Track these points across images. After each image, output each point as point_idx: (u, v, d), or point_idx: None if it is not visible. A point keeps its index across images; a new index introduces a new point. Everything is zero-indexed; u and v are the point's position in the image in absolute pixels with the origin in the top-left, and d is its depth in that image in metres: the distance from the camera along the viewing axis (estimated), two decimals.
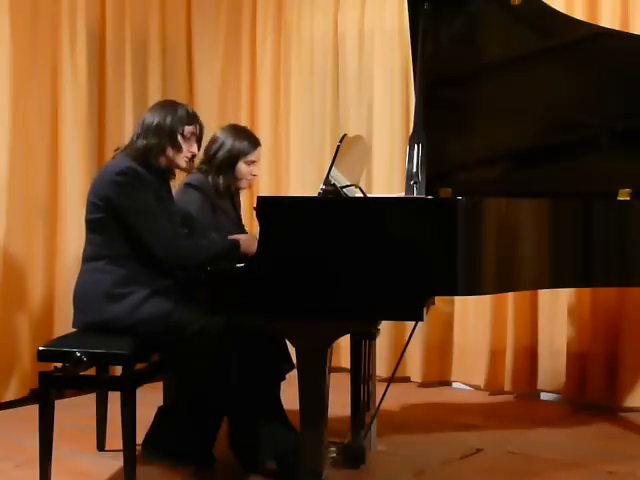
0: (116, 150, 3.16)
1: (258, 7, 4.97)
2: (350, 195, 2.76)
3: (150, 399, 3.25)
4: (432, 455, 3.36)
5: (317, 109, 4.83)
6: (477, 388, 4.43)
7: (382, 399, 3.18)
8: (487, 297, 4.23)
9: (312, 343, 2.55)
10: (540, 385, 4.25)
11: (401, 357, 3.37)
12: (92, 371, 3.07)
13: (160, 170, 3.12)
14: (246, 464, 3.09)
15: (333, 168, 2.68)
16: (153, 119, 3.08)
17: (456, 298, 4.38)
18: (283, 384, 3.18)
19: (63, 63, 4.29)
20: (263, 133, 4.90)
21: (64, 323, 3.64)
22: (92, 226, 3.04)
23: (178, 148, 3.08)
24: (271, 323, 2.60)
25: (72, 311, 3.07)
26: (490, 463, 3.30)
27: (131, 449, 2.82)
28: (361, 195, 2.76)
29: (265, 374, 3.09)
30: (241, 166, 3.51)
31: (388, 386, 3.16)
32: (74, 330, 3.05)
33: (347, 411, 3.35)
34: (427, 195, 2.72)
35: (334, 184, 2.67)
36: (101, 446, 3.37)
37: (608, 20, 3.94)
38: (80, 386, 3.48)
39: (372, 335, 3.27)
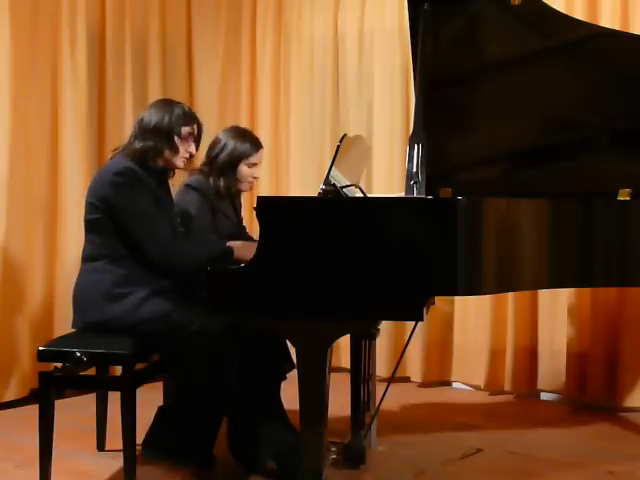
0: (114, 150, 3.16)
1: (258, 7, 4.97)
2: (350, 195, 2.76)
3: (150, 399, 3.25)
4: (432, 455, 3.36)
5: (317, 109, 4.83)
6: (477, 388, 4.43)
7: (382, 399, 3.18)
8: (487, 297, 4.23)
9: (312, 343, 2.55)
10: (540, 385, 4.25)
11: (401, 357, 3.37)
12: (92, 371, 3.07)
13: (158, 170, 3.12)
14: (246, 464, 3.09)
15: (333, 168, 2.68)
16: (150, 120, 3.07)
17: (456, 298, 4.38)
18: (283, 384, 3.18)
19: (63, 63, 4.29)
20: (263, 133, 4.90)
21: (64, 323, 3.64)
22: (91, 226, 3.04)
23: (175, 149, 3.08)
24: (271, 323, 2.60)
25: (72, 311, 3.07)
26: (490, 463, 3.30)
27: (131, 449, 2.82)
28: (361, 195, 2.76)
29: (265, 374, 3.09)
30: (242, 168, 3.51)
31: (388, 386, 3.16)
32: (74, 330, 3.05)
33: (347, 411, 3.35)
34: (427, 195, 2.72)
35: (334, 184, 2.67)
36: (101, 446, 3.37)
37: (608, 20, 3.94)
38: (80, 386, 3.48)
39: (372, 335, 3.27)
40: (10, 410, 4.00)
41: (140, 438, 3.07)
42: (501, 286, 2.72)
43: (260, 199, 2.57)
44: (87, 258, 3.06)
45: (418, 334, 4.30)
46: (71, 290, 3.09)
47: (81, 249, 3.11)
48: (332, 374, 2.68)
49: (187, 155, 3.13)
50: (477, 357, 4.39)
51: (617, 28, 3.85)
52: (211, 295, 2.56)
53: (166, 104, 3.15)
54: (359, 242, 2.50)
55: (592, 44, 3.16)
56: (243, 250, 2.97)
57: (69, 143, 4.30)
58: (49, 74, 4.27)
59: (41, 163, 4.24)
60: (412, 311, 2.52)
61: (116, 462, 3.09)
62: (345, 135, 2.88)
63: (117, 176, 2.97)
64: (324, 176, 2.66)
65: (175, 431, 3.18)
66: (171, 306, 2.94)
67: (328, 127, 4.77)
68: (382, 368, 4.35)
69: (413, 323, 2.95)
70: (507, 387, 4.29)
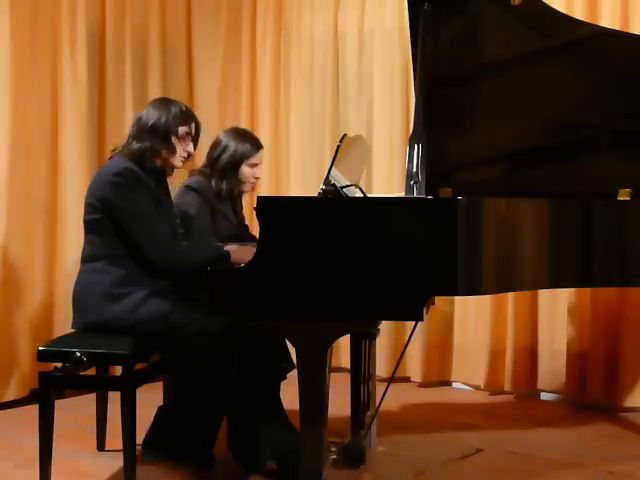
0: (113, 151, 3.15)
1: (258, 7, 4.97)
2: (350, 195, 2.76)
3: (150, 399, 3.25)
4: (432, 455, 3.36)
5: (317, 109, 4.83)
6: (477, 388, 4.43)
7: (382, 399, 3.18)
8: (487, 297, 4.23)
9: (312, 343, 2.55)
10: (540, 385, 4.25)
11: (401, 357, 3.37)
12: (92, 371, 3.07)
13: (156, 170, 3.11)
14: (246, 464, 3.09)
15: (333, 168, 2.68)
16: (147, 120, 3.07)
17: (456, 298, 4.38)
18: (283, 384, 3.18)
19: (63, 63, 4.29)
20: (263, 133, 4.90)
21: (64, 323, 3.64)
22: (90, 227, 3.04)
23: (173, 149, 3.08)
24: (271, 323, 2.60)
25: (72, 311, 3.07)
26: (490, 463, 3.30)
27: (131, 449, 2.82)
28: (361, 195, 2.76)
29: (265, 374, 3.09)
30: (244, 169, 3.52)
31: (388, 386, 3.16)
32: (74, 330, 3.05)
33: (347, 411, 3.35)
34: (427, 195, 2.72)
35: (334, 184, 2.67)
36: (101, 446, 3.37)
37: (608, 20, 3.94)
38: (80, 386, 3.48)
39: (372, 335, 3.27)
40: (10, 410, 4.00)
41: (140, 438, 3.07)
42: (501, 286, 2.72)
43: (260, 199, 2.57)
44: (87, 258, 3.06)
45: (418, 334, 4.30)
46: (71, 290, 3.09)
47: (81, 249, 3.11)
48: (332, 374, 2.68)
49: (185, 154, 3.13)
50: (477, 357, 4.39)
51: (617, 28, 3.85)
52: (211, 295, 2.56)
53: (163, 103, 3.14)
54: (359, 242, 2.49)
55: (592, 44, 3.16)
56: (239, 254, 2.97)
57: (69, 143, 4.30)
58: (49, 74, 4.27)
59: (41, 163, 4.24)
60: (412, 311, 2.52)
61: (116, 462, 3.09)
62: (345, 135, 2.88)
63: (116, 176, 2.97)
64: (324, 176, 2.66)
65: (175, 431, 3.18)
66: (170, 306, 2.95)
67: (328, 127, 4.77)
68: (382, 368, 4.35)
69: (413, 323, 2.95)
70: (507, 387, 4.29)
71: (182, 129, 3.09)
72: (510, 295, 4.19)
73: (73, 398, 3.93)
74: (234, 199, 3.62)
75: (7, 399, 4.05)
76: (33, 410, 2.92)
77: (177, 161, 3.12)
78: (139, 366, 2.96)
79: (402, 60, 4.52)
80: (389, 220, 2.51)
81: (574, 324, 4.13)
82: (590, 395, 4.08)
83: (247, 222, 3.81)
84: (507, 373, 4.27)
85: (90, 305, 2.98)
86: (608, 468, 3.22)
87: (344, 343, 3.91)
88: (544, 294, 4.15)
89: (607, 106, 3.26)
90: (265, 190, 4.82)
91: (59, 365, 2.86)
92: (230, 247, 3.08)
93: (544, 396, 4.29)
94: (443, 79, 3.12)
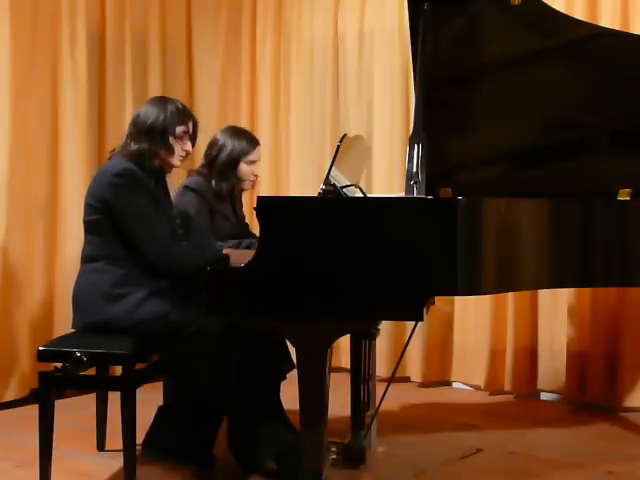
0: (112, 152, 3.15)
1: (258, 7, 4.97)
2: (350, 195, 2.76)
3: (150, 399, 3.25)
4: (432, 455, 3.36)
5: (317, 109, 4.83)
6: (477, 388, 4.43)
7: (382, 399, 3.18)
8: (487, 297, 4.23)
9: (312, 343, 2.55)
10: (540, 385, 4.25)
11: (401, 357, 3.37)
12: (92, 371, 3.07)
13: (155, 170, 3.11)
14: (246, 464, 3.09)
15: (333, 168, 2.68)
16: (145, 120, 3.06)
17: (456, 298, 4.38)
18: (283, 384, 3.18)
19: (63, 63, 4.29)
20: (263, 133, 4.91)
21: (64, 323, 3.64)
22: (90, 227, 3.04)
23: (170, 150, 3.07)
24: (271, 323, 2.60)
25: (72, 311, 3.07)
26: (490, 463, 3.30)
27: (131, 449, 2.82)
28: (361, 195, 2.76)
29: (265, 374, 3.09)
30: (243, 167, 3.52)
31: (388, 386, 3.16)
32: (74, 330, 3.05)
33: (347, 411, 3.35)
34: (427, 195, 2.72)
35: (334, 184, 2.67)
36: (101, 446, 3.37)
37: (608, 20, 3.94)
38: (80, 386, 3.48)
39: (372, 335, 3.27)
40: (10, 410, 4.00)
41: (140, 438, 3.07)
42: (501, 286, 2.72)
43: (260, 199, 2.57)
44: (86, 259, 3.06)
45: (418, 334, 4.30)
46: (71, 290, 3.09)
47: (81, 249, 3.11)
48: (332, 374, 2.68)
49: (183, 154, 3.13)
50: (477, 357, 4.39)
51: (617, 28, 3.85)
52: (211, 295, 2.56)
53: (160, 102, 3.13)
54: (359, 242, 2.49)
55: (592, 44, 3.16)
56: (238, 258, 2.97)
57: (69, 143, 4.30)
58: (49, 74, 4.27)
59: (41, 163, 4.24)
60: (412, 311, 2.52)
61: (116, 462, 3.09)
62: (345, 135, 2.88)
63: (116, 177, 2.97)
64: (324, 176, 2.66)
65: (175, 431, 3.18)
66: (170, 307, 2.94)
67: (328, 127, 4.77)
68: (382, 368, 4.35)
69: (413, 323, 2.95)
70: (507, 387, 4.29)
71: (179, 129, 3.08)
72: (510, 295, 4.19)
73: (73, 398, 3.93)
74: (233, 198, 3.62)
75: (7, 399, 4.05)
76: (33, 410, 2.92)
77: (176, 160, 3.12)
78: (139, 366, 2.96)
79: (402, 60, 4.52)
80: (389, 220, 2.51)
81: (574, 324, 4.13)
82: (590, 395, 4.08)
83: (247, 222, 3.81)
84: (507, 373, 4.27)
85: (90, 305, 2.98)
86: (608, 468, 3.22)
87: (344, 343, 3.91)
88: (544, 294, 4.15)
89: (607, 106, 3.26)
90: (265, 190, 4.82)
91: (59, 365, 2.86)
92: (226, 251, 3.09)
93: (544, 396, 4.29)
94: (443, 79, 3.12)
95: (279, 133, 4.95)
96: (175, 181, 3.40)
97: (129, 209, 2.96)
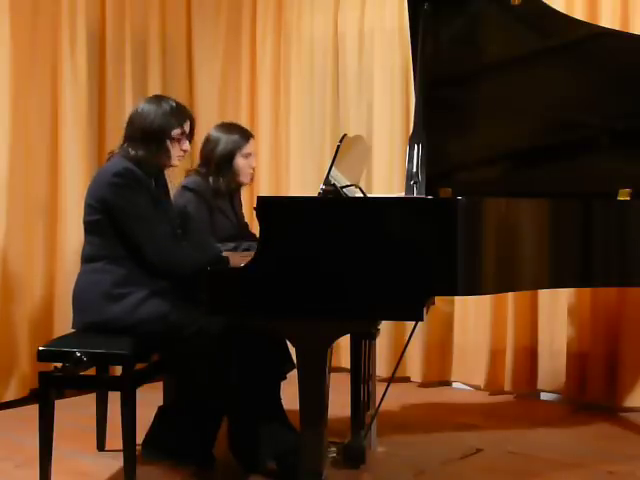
0: (110, 153, 3.15)
1: (258, 7, 4.97)
2: (350, 195, 2.76)
3: (150, 399, 3.25)
4: (432, 455, 3.36)
5: (317, 109, 4.83)
6: (477, 388, 4.43)
7: (382, 399, 3.18)
8: (487, 297, 4.23)
9: (312, 343, 2.55)
10: (540, 385, 4.25)
11: (401, 357, 3.37)
12: (92, 371, 3.07)
13: (154, 170, 3.11)
14: (246, 464, 3.09)
15: (333, 168, 2.68)
16: (140, 125, 3.05)
17: (456, 298, 4.38)
18: (283, 384, 3.18)
19: (63, 63, 4.29)
20: (263, 133, 4.91)
21: (64, 323, 3.64)
22: (90, 228, 3.04)
23: (167, 154, 3.07)
24: (271, 323, 2.60)
25: (72, 311, 3.07)
26: (490, 463, 3.30)
27: (131, 449, 2.82)
28: (361, 195, 2.76)
29: (265, 374, 3.09)
30: (238, 160, 3.52)
31: (388, 386, 3.16)
32: (74, 330, 3.05)
33: (347, 411, 3.35)
34: (427, 195, 2.72)
35: (334, 184, 2.67)
36: (101, 446, 3.37)
37: (608, 20, 3.94)
38: (80, 386, 3.48)
39: (372, 335, 3.27)
40: (10, 410, 4.00)
41: (140, 438, 3.07)
42: (501, 286, 2.73)
43: (260, 199, 2.57)
44: (87, 259, 3.05)
45: (418, 334, 4.30)
46: (71, 290, 3.09)
47: (81, 249, 3.11)
48: (332, 374, 2.68)
49: (182, 154, 3.13)
50: (477, 357, 4.38)
51: (617, 28, 3.85)
52: (211, 295, 2.56)
53: (155, 102, 3.10)
54: (359, 242, 2.50)
55: (592, 44, 3.16)
56: (238, 261, 2.97)
57: (69, 143, 4.30)
58: (49, 74, 4.27)
59: (41, 163, 4.24)
60: (412, 311, 2.52)
61: (116, 462, 3.09)
62: (345, 135, 2.88)
63: (116, 177, 2.96)
64: (324, 176, 2.66)
65: (175, 431, 3.18)
66: (169, 307, 2.94)
67: (328, 127, 4.76)
68: (382, 368, 4.35)
69: (413, 323, 2.95)
70: (507, 387, 4.29)
71: (175, 132, 3.06)
72: (510, 295, 4.19)
73: (73, 398, 3.93)
74: (232, 194, 3.62)
75: (7, 399, 4.05)
76: (33, 410, 2.92)
77: (174, 161, 3.12)
78: (139, 366, 2.96)
79: (402, 60, 4.51)
80: (389, 220, 2.51)
81: (574, 324, 4.13)
82: (590, 395, 4.08)
83: (247, 221, 3.81)
84: (507, 373, 4.27)
85: (90, 305, 2.98)
86: (608, 468, 3.22)
87: (344, 343, 3.91)
88: (544, 294, 4.15)
89: (607, 106, 3.26)
90: (265, 190, 4.83)
91: (59, 365, 2.86)
92: (226, 254, 3.09)
93: (544, 396, 4.29)
94: (443, 79, 3.12)
95: (279, 133, 4.94)
96: (175, 181, 3.40)
97: (129, 209, 2.96)
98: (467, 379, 4.47)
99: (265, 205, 2.56)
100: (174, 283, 3.03)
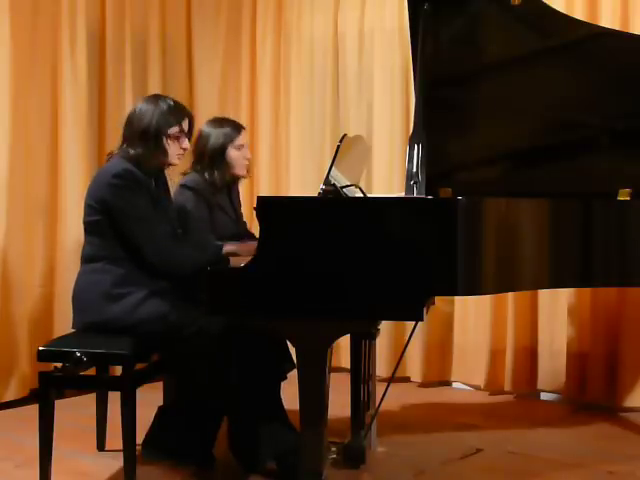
0: (109, 154, 3.15)
1: (258, 7, 4.97)
2: (350, 195, 2.76)
3: (150, 399, 3.25)
4: (432, 455, 3.36)
5: (317, 109, 4.83)
6: (477, 388, 4.43)
7: (382, 399, 3.18)
8: (487, 297, 4.23)
9: (312, 343, 2.55)
10: (540, 385, 4.25)
11: (401, 357, 3.37)
12: (92, 371, 3.07)
13: (154, 170, 3.11)
14: (246, 464, 3.09)
15: (333, 168, 2.68)
16: (138, 124, 3.05)
17: (456, 298, 4.38)
18: (283, 384, 3.18)
19: (63, 63, 4.29)
20: (263, 133, 4.91)
21: (63, 323, 3.64)
22: (90, 228, 3.04)
23: (165, 153, 3.07)
24: (271, 323, 2.60)
25: (72, 311, 3.07)
26: (490, 463, 3.30)
27: (131, 449, 2.82)
28: (361, 195, 2.76)
29: (265, 374, 3.09)
30: (231, 152, 3.51)
31: (388, 386, 3.16)
32: (74, 330, 3.05)
33: (347, 411, 3.35)
34: (427, 195, 2.72)
35: (334, 184, 2.67)
36: (101, 446, 3.37)
37: (608, 20, 3.94)
38: (80, 386, 3.48)
39: (372, 335, 3.27)
40: (10, 410, 4.00)
41: (140, 438, 3.07)
42: (501, 286, 2.73)
43: (260, 199, 2.57)
44: (86, 259, 3.06)
45: (418, 334, 4.30)
46: (71, 290, 3.09)
47: (81, 250, 3.11)
48: (332, 374, 2.68)
49: (181, 152, 3.13)
50: (477, 357, 4.38)
51: (617, 28, 3.85)
52: (211, 295, 2.56)
53: (153, 102, 3.10)
54: (359, 242, 2.50)
55: (592, 44, 3.16)
56: (246, 250, 2.97)
57: (69, 143, 4.30)
58: (49, 74, 4.26)
59: (41, 163, 4.24)
60: (412, 311, 2.52)
61: (116, 462, 3.09)
62: (345, 135, 2.88)
63: (115, 178, 2.96)
64: (324, 176, 2.66)
65: (175, 431, 3.18)
66: (169, 307, 2.94)
67: (328, 127, 4.76)
68: (382, 368, 4.35)
69: (413, 323, 2.95)
70: (507, 387, 4.29)
71: (173, 130, 3.07)
72: (510, 295, 4.19)
73: (73, 398, 3.93)
74: (230, 188, 3.61)
75: (7, 399, 4.05)
76: (33, 410, 2.92)
77: (174, 159, 3.12)
78: (139, 366, 2.96)
79: (402, 60, 4.51)
80: (389, 220, 2.51)
81: (574, 324, 4.13)
82: (590, 395, 4.08)
83: (246, 221, 3.81)
84: (507, 373, 4.27)
85: (90, 305, 2.98)
86: (608, 468, 3.22)
87: (344, 343, 3.91)
88: (544, 294, 4.15)
89: (607, 106, 3.26)
90: (265, 190, 4.83)
91: (59, 365, 2.86)
92: (230, 246, 3.08)
93: (544, 396, 4.29)
94: (443, 79, 3.12)
95: (279, 133, 4.94)
96: (173, 179, 3.40)
97: (128, 210, 2.96)
98: (467, 379, 4.47)
99: (265, 205, 2.56)
100: (174, 283, 3.03)
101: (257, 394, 3.05)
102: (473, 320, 4.41)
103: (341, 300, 2.50)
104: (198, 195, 3.44)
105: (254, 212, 2.57)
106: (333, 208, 2.56)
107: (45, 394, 2.85)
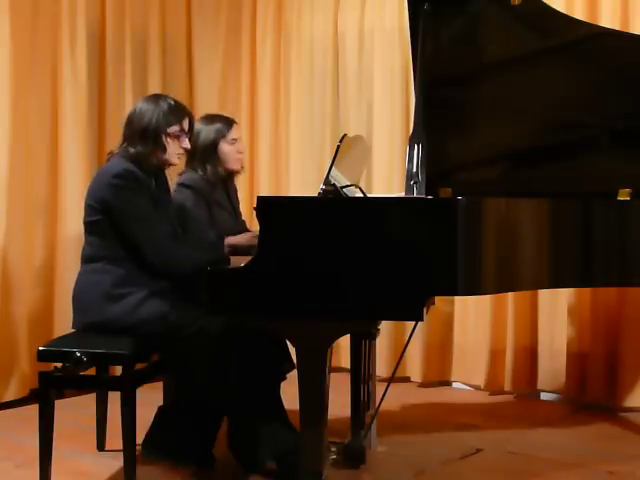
0: (109, 154, 3.15)
1: (258, 7, 4.97)
2: (350, 195, 2.76)
3: (150, 399, 3.25)
4: (432, 455, 3.36)
5: (317, 109, 4.83)
6: (477, 388, 4.43)
7: (382, 399, 3.18)
8: (487, 297, 4.23)
9: (312, 343, 2.55)
10: (540, 385, 4.25)
11: (401, 357, 3.37)
12: (92, 371, 3.07)
13: (155, 169, 3.11)
14: (246, 464, 3.09)
15: (333, 168, 2.68)
16: (138, 123, 3.05)
17: (456, 298, 4.38)
18: (283, 384, 3.18)
19: (63, 63, 4.29)
20: (263, 133, 4.91)
21: (64, 323, 3.64)
22: (91, 229, 3.04)
23: (165, 150, 3.07)
24: (271, 323, 2.60)
25: (72, 311, 3.07)
26: (490, 463, 3.30)
27: (131, 449, 2.82)
28: (361, 195, 2.76)
29: (265, 374, 3.09)
30: (224, 147, 3.52)
31: (388, 386, 3.16)
32: (74, 330, 3.05)
33: (347, 411, 3.35)
34: (427, 195, 2.72)
35: (334, 184, 2.67)
36: (101, 446, 3.37)
37: (608, 20, 3.94)
38: (80, 386, 3.48)
39: (372, 335, 3.27)
40: (10, 410, 4.00)
41: (140, 438, 3.07)
42: (501, 286, 2.72)
43: (260, 199, 2.57)
44: (87, 259, 3.06)
45: (418, 334, 4.30)
46: (71, 290, 3.09)
47: (81, 250, 3.11)
48: (332, 374, 2.68)
49: (181, 151, 3.13)
50: (477, 357, 4.38)
51: (617, 28, 3.85)
52: (211, 295, 2.56)
53: (153, 101, 3.11)
54: (359, 242, 2.50)
55: (592, 44, 3.16)
56: (249, 241, 2.97)
57: (69, 143, 4.30)
58: (49, 74, 4.27)
59: (41, 163, 4.24)
60: (412, 311, 2.52)
61: (116, 462, 3.09)
62: (345, 135, 2.88)
63: (116, 178, 2.96)
64: (324, 176, 2.66)
65: (175, 431, 3.18)
66: (169, 307, 2.94)
67: (328, 127, 4.76)
68: (382, 368, 4.35)
69: (413, 323, 2.95)
70: (507, 387, 4.29)
71: (173, 129, 3.07)
72: (510, 295, 4.19)
73: (73, 398, 3.93)
74: (226, 184, 3.61)
75: (7, 399, 4.05)
76: (33, 410, 2.92)
77: (174, 159, 3.12)
78: (139, 366, 2.96)
79: (402, 60, 4.52)
80: (389, 220, 2.51)
81: (574, 324, 4.13)
82: (590, 395, 4.08)
83: (247, 222, 3.81)
84: (507, 373, 4.27)
85: (90, 305, 2.98)
86: (608, 468, 3.22)
87: (344, 343, 3.91)
88: (544, 294, 4.15)
89: (607, 106, 3.26)
90: (265, 190, 4.83)
91: (59, 365, 2.86)
92: (232, 239, 3.08)
93: (544, 396, 4.29)
94: (443, 79, 3.11)
95: (279, 133, 4.94)
96: (172, 181, 3.40)
97: (129, 210, 2.96)
98: (467, 379, 4.47)
99: (265, 205, 2.56)
100: (174, 283, 3.03)
101: (257, 394, 3.05)
102: (473, 320, 4.41)
103: (341, 300, 2.50)
104: (197, 193, 3.44)
105: (254, 212, 2.57)
106: (333, 208, 2.56)
107: (45, 394, 2.85)
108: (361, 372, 3.33)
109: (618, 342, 4.00)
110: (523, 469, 3.24)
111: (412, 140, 2.72)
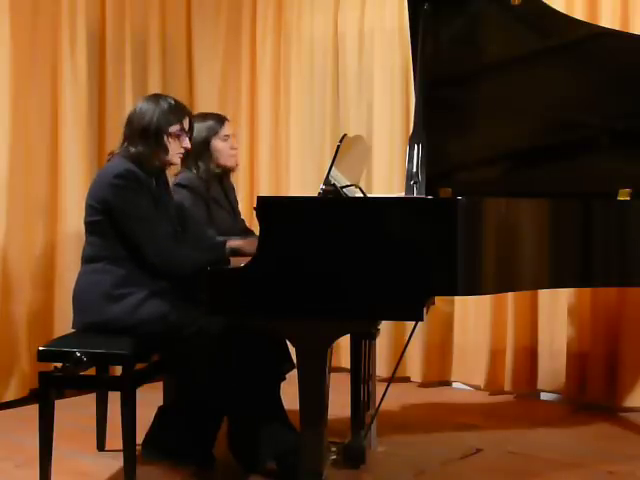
0: (110, 154, 3.15)
1: (258, 7, 4.97)
2: (350, 195, 2.76)
3: (150, 399, 3.25)
4: (432, 455, 3.36)
5: (317, 109, 4.82)
6: (477, 388, 4.43)
7: (382, 399, 3.18)
8: (487, 297, 4.23)
9: (312, 343, 2.55)
10: (540, 385, 4.25)
11: (401, 357, 3.37)
12: (92, 371, 3.07)
13: (155, 169, 3.11)
14: (246, 464, 3.09)
15: (333, 168, 2.68)
16: (139, 122, 3.05)
17: (456, 298, 4.38)
18: (283, 384, 3.18)
19: (63, 63, 4.29)
20: (263, 133, 4.91)
21: (64, 323, 3.64)
22: (91, 229, 3.04)
23: (166, 151, 3.07)
24: (271, 323, 2.60)
25: (72, 311, 3.07)
26: (490, 463, 3.30)
27: (131, 449, 2.82)
28: (361, 195, 2.76)
29: (265, 374, 3.09)
30: (217, 144, 3.52)
31: (388, 386, 3.16)
32: (74, 330, 3.05)
33: (347, 411, 3.35)
34: (427, 195, 2.72)
35: (334, 184, 2.67)
36: (101, 446, 3.37)
37: (608, 20, 3.94)
38: (80, 386, 3.48)
39: (372, 335, 3.27)
40: (10, 410, 4.00)
41: (140, 438, 3.07)
42: (501, 286, 2.72)
43: (260, 199, 2.57)
44: (87, 259, 3.06)
45: (418, 334, 4.30)
46: (71, 290, 3.09)
47: (81, 249, 3.11)
48: (332, 374, 2.68)
49: (182, 151, 3.13)
50: (477, 357, 4.38)
51: (617, 28, 3.85)
52: (211, 295, 2.56)
53: (153, 101, 3.11)
54: (359, 242, 2.50)
55: (592, 44, 3.16)
56: (251, 246, 2.97)
57: (69, 143, 4.30)
58: (49, 74, 4.26)
59: (41, 163, 4.24)
60: (412, 311, 2.52)
61: (116, 462, 3.09)
62: (345, 135, 2.88)
63: (117, 178, 2.96)
64: (324, 176, 2.66)
65: (175, 431, 3.18)
66: (169, 307, 2.94)
67: (328, 127, 4.76)
68: (382, 368, 4.35)
69: (413, 323, 2.95)
70: (507, 387, 4.29)
71: (174, 128, 3.07)
72: (510, 295, 4.19)
73: (73, 398, 3.93)
74: (222, 181, 3.60)
75: (7, 399, 4.05)
76: (33, 410, 2.92)
77: (174, 158, 3.12)
78: (139, 366, 2.96)
79: (402, 60, 4.51)
80: (389, 220, 2.51)
81: (574, 324, 4.13)
82: (590, 395, 4.08)
83: (247, 222, 3.81)
84: (507, 373, 4.27)
85: (90, 305, 2.98)
86: (608, 468, 3.22)
87: (344, 343, 3.91)
88: (544, 294, 4.15)
89: (607, 106, 3.26)
90: (265, 190, 4.83)
91: (59, 365, 2.86)
92: (234, 242, 3.08)
93: (544, 396, 4.29)
94: (443, 79, 3.12)
95: (279, 133, 4.94)
96: (172, 169, 3.40)
97: (130, 211, 2.96)
98: (467, 379, 4.47)
99: (265, 205, 2.56)
100: (174, 283, 3.03)
101: (257, 394, 3.05)
102: (473, 320, 4.41)
103: (341, 300, 2.50)
104: (194, 192, 3.44)
105: (254, 212, 2.57)
106: (333, 208, 2.56)
107: (45, 394, 2.85)
108: (361, 372, 3.33)
109: (618, 342, 4.00)
110: (523, 469, 3.24)
111: (412, 140, 2.72)
